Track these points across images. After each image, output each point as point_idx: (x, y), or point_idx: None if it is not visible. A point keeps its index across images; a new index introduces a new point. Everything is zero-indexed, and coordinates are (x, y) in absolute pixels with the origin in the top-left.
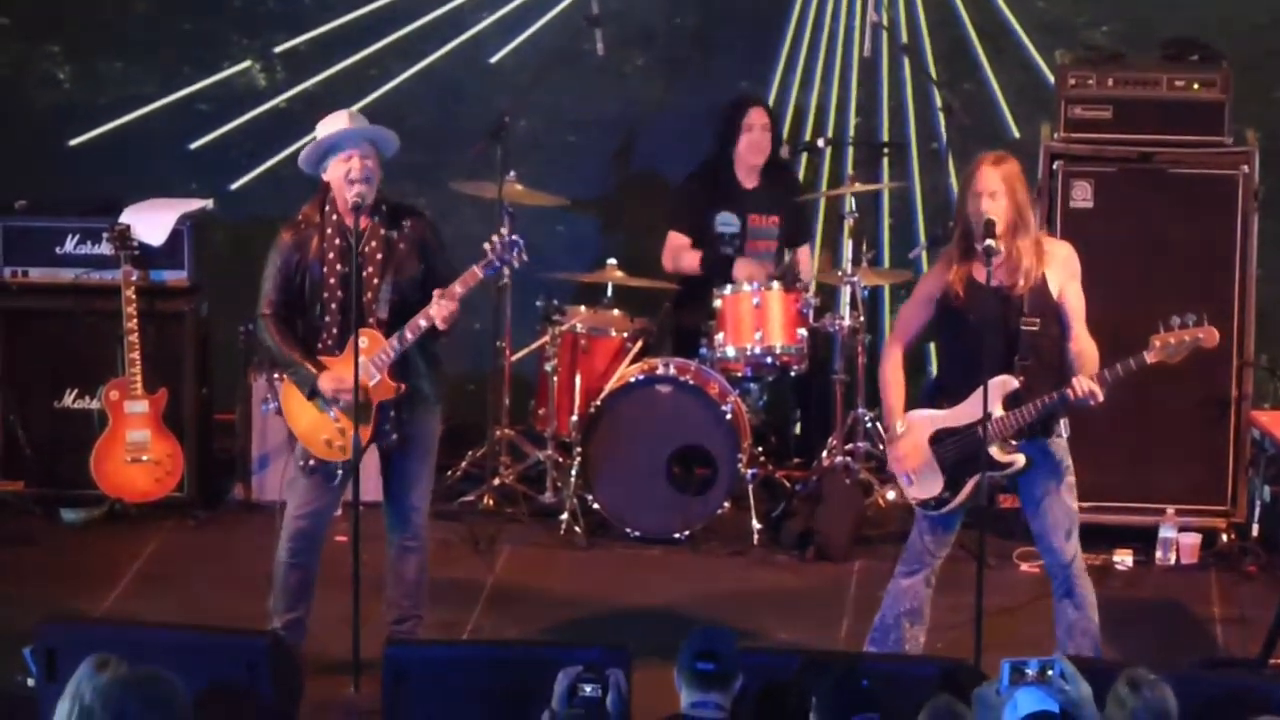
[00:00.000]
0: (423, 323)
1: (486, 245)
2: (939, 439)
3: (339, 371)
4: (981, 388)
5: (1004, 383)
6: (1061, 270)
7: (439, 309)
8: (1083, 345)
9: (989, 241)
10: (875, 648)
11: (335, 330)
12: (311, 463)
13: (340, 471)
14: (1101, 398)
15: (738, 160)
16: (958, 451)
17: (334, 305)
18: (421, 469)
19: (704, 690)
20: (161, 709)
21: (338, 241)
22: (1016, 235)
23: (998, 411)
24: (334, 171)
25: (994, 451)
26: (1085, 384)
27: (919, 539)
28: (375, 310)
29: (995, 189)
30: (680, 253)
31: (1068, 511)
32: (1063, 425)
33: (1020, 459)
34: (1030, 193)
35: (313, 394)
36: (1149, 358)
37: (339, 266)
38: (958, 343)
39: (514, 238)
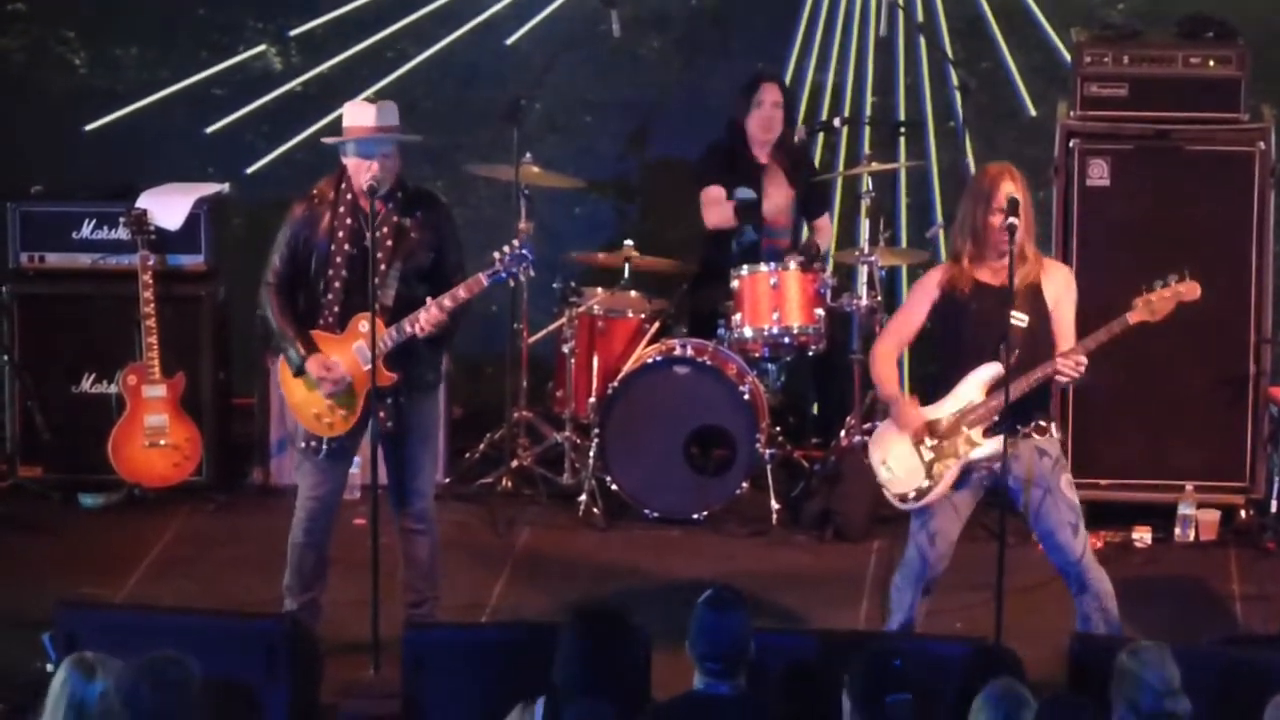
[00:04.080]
0: (408, 328)
1: (495, 254)
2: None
3: (331, 354)
4: (967, 377)
5: (988, 370)
6: (1060, 286)
7: (426, 317)
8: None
9: (1011, 220)
10: None
11: (337, 309)
12: (311, 444)
13: (325, 448)
14: (1085, 362)
15: (750, 137)
16: (940, 441)
17: (338, 284)
18: (422, 453)
19: (716, 679)
20: (174, 690)
21: (349, 221)
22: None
23: (979, 398)
24: (352, 161)
25: (974, 436)
26: (1067, 358)
27: (916, 551)
28: (381, 297)
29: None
30: (715, 205)
31: (1071, 506)
32: (1054, 427)
33: (998, 442)
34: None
35: (299, 373)
36: (1131, 318)
37: (347, 247)
38: (954, 337)
39: (523, 251)
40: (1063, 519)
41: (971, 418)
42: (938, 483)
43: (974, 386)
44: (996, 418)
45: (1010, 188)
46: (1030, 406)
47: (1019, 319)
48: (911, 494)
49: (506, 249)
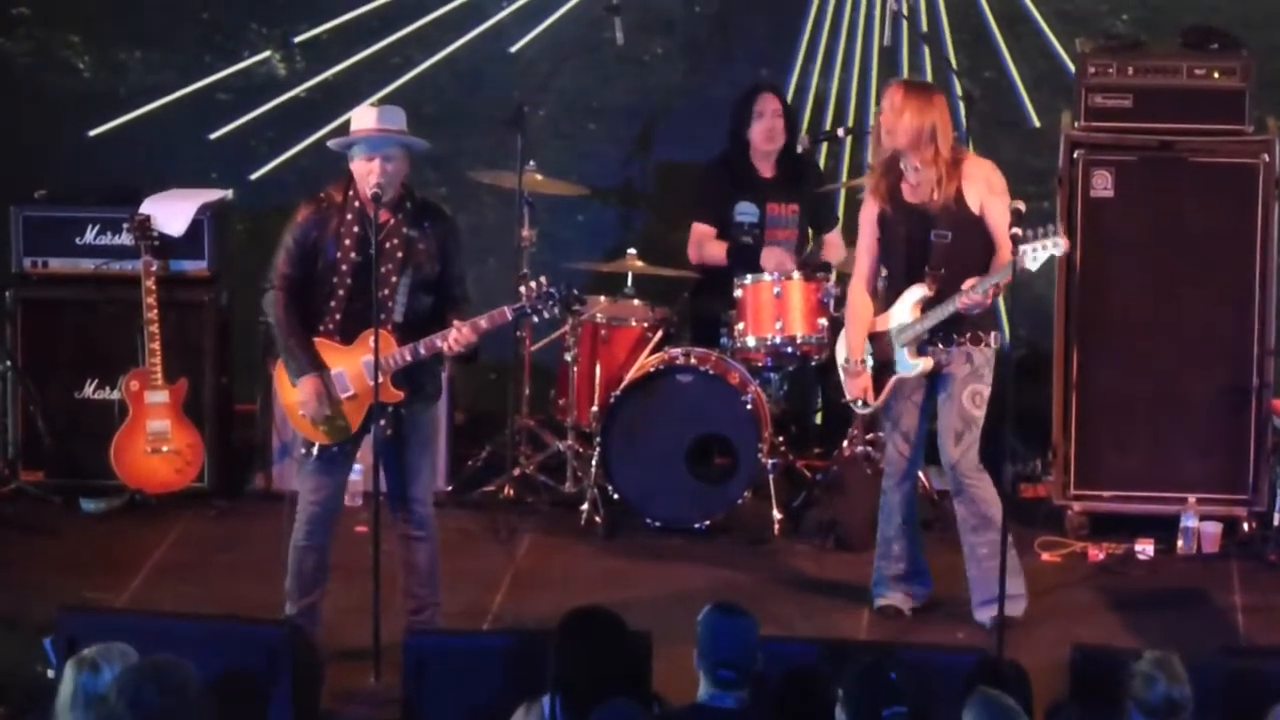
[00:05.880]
0: (439, 343)
1: (523, 289)
2: (870, 341)
3: (335, 364)
4: (900, 297)
5: (916, 291)
6: (980, 186)
7: (456, 337)
8: (1004, 256)
9: (1014, 230)
10: (882, 561)
11: (339, 317)
12: (307, 449)
13: (320, 453)
14: (984, 302)
15: (753, 149)
16: (875, 355)
17: (341, 292)
18: (422, 460)
19: (724, 689)
20: (175, 694)
21: (356, 229)
22: (918, 152)
23: (910, 316)
24: (357, 165)
25: (905, 354)
26: (969, 298)
27: (894, 452)
28: (391, 312)
29: (890, 127)
30: (706, 243)
31: (963, 415)
32: (993, 336)
33: (928, 362)
34: (932, 112)
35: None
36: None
37: (353, 255)
38: (886, 255)
39: (551, 289)
40: (950, 424)
41: (903, 338)
42: (877, 395)
43: (904, 308)
44: (927, 337)
45: (885, 109)
46: (967, 320)
47: (941, 235)
48: (859, 400)
49: (534, 285)
